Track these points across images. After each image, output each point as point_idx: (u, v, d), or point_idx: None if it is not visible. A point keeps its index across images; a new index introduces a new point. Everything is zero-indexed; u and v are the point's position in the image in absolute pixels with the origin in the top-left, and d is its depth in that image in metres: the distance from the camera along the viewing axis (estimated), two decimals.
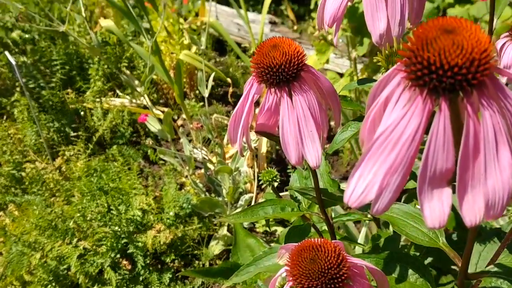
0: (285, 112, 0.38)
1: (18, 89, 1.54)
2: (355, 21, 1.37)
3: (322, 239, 0.38)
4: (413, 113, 0.24)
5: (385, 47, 0.41)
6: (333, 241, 0.38)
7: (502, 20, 1.74)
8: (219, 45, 2.40)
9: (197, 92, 2.02)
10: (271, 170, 0.54)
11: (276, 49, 0.38)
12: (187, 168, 1.44)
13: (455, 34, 0.22)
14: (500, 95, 0.24)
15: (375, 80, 0.49)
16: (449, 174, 0.24)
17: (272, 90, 0.39)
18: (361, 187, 0.26)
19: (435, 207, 0.24)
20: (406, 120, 0.24)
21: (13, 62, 1.25)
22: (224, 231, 1.30)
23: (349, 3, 0.43)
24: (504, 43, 0.53)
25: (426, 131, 0.25)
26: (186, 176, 1.46)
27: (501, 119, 0.23)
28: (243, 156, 0.46)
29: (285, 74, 0.38)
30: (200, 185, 1.41)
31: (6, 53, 1.30)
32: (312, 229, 0.56)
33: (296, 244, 0.38)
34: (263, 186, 0.54)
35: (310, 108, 0.39)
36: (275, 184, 0.55)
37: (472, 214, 0.24)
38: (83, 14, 1.15)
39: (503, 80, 0.55)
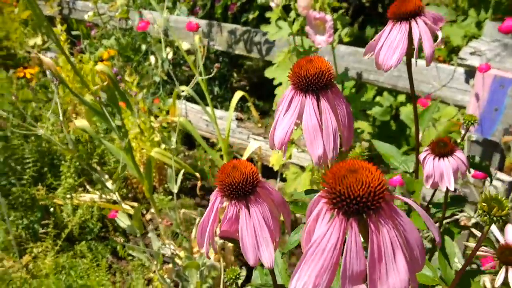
0: (243, 222, 0.46)
1: None
2: None
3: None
4: (333, 229, 0.32)
5: (321, 167, 0.50)
6: None
7: (447, 119, 1.93)
8: (187, 139, 2.52)
9: (165, 186, 2.08)
10: (235, 268, 0.60)
11: (236, 170, 0.47)
12: (155, 263, 1.47)
13: (357, 173, 0.32)
14: (394, 215, 0.32)
15: (318, 191, 0.58)
16: (363, 274, 0.32)
17: (233, 203, 0.47)
18: (299, 286, 0.33)
19: None
20: (328, 235, 0.32)
21: None
22: None
23: (295, 127, 0.54)
24: (425, 156, 0.64)
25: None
26: (154, 271, 1.48)
27: (396, 233, 0.32)
28: (209, 258, 0.53)
29: (243, 191, 0.46)
30: (168, 280, 1.43)
31: None
32: None
33: None
34: (227, 284, 0.60)
35: (264, 218, 0.47)
36: (239, 281, 0.61)
37: None
38: (61, 118, 1.24)
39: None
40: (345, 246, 0.32)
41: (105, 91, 1.41)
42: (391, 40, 0.58)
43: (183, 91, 1.39)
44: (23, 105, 2.05)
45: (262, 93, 3.00)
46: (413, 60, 0.59)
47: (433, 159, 0.63)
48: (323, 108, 0.49)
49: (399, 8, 0.59)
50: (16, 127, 1.91)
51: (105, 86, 1.38)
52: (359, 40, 2.56)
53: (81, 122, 1.64)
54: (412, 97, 0.67)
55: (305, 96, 0.50)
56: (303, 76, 0.49)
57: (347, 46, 1.86)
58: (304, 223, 0.59)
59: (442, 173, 0.62)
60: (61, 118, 1.27)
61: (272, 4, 1.40)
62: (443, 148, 0.63)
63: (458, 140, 0.74)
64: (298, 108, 0.50)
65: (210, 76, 1.31)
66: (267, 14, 1.47)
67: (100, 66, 1.37)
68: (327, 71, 0.49)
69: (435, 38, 0.62)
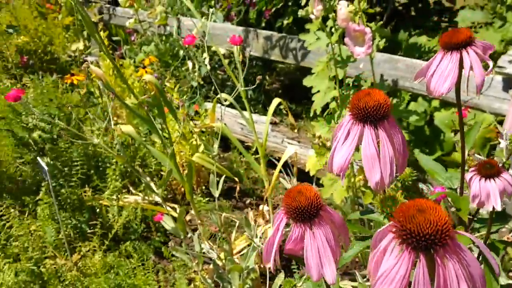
0: (308, 242, 0.51)
1: (43, 189, 1.66)
2: None
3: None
4: (402, 262, 0.37)
5: (379, 192, 0.54)
6: None
7: (484, 126, 1.93)
8: (223, 141, 2.58)
9: (203, 187, 2.15)
10: (291, 279, 0.65)
11: (301, 194, 0.52)
12: (195, 262, 1.53)
13: (425, 213, 0.36)
14: (459, 251, 0.37)
15: (373, 211, 0.62)
16: None
17: (298, 224, 0.52)
18: None
19: None
20: (397, 267, 0.37)
21: (45, 167, 1.38)
22: None
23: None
24: (472, 176, 0.67)
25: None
26: (196, 272, 1.55)
27: (460, 267, 0.36)
28: (274, 273, 0.58)
29: (308, 214, 0.51)
30: (209, 281, 1.49)
31: (38, 158, 1.45)
32: None
33: None
34: None
35: (327, 239, 0.51)
36: None
37: None
38: (112, 126, 1.31)
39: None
40: (414, 278, 0.36)
41: (152, 99, 1.48)
42: (442, 69, 0.62)
43: (225, 100, 1.44)
44: (69, 110, 2.15)
45: (294, 95, 3.04)
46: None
47: (479, 180, 0.67)
48: (381, 137, 0.53)
49: (450, 38, 0.62)
50: (63, 130, 2.01)
51: (152, 95, 1.45)
52: (392, 44, 2.57)
53: (127, 128, 1.71)
54: (460, 121, 0.70)
55: (364, 126, 0.54)
56: (362, 108, 0.53)
57: (382, 54, 1.88)
58: (356, 240, 0.63)
59: (489, 193, 0.66)
60: (112, 125, 1.35)
61: (311, 16, 1.44)
62: (489, 170, 0.66)
63: (504, 160, 0.77)
64: (357, 137, 0.54)
65: (252, 87, 1.36)
66: (307, 26, 1.51)
67: (148, 76, 1.43)
68: (385, 104, 0.53)
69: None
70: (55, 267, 1.52)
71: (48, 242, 1.61)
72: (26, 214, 1.73)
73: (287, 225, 0.54)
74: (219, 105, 2.49)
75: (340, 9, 1.39)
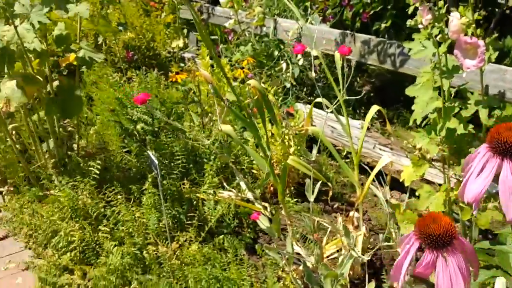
0: (440, 269, 0.53)
1: (149, 179, 1.79)
2: (453, 143, 1.50)
3: None
4: None
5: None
6: None
7: None
8: (311, 143, 2.61)
9: (291, 188, 2.20)
10: None
11: (436, 222, 0.53)
12: (286, 262, 1.58)
13: None
14: None
15: (504, 243, 0.62)
16: None
17: (431, 251, 0.54)
18: None
19: None
20: None
21: (155, 161, 1.50)
22: None
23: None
24: None
25: None
26: (287, 272, 1.60)
27: None
28: None
29: (442, 241, 0.53)
30: (299, 282, 1.54)
31: (149, 152, 1.57)
32: None
33: None
34: None
35: (459, 267, 0.53)
36: None
37: None
38: (220, 127, 1.39)
39: None
40: None
41: (254, 102, 1.55)
42: None
43: (327, 107, 1.47)
44: (170, 105, 2.29)
45: (385, 98, 2.97)
46: None
47: None
48: None
49: None
50: (167, 125, 2.15)
51: (255, 99, 1.51)
52: (498, 51, 2.43)
53: (226, 127, 1.80)
54: None
55: (503, 160, 0.55)
56: (503, 142, 0.54)
57: (490, 64, 1.79)
58: (481, 268, 0.64)
59: None
60: (220, 126, 1.43)
61: (420, 26, 1.42)
62: None
63: None
64: (494, 170, 0.55)
65: (357, 97, 1.37)
66: (414, 35, 1.48)
67: (252, 81, 1.50)
68: None
69: None
70: (156, 254, 1.64)
71: (151, 229, 1.73)
72: (131, 201, 1.87)
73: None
74: (308, 105, 2.52)
75: (451, 21, 1.35)
